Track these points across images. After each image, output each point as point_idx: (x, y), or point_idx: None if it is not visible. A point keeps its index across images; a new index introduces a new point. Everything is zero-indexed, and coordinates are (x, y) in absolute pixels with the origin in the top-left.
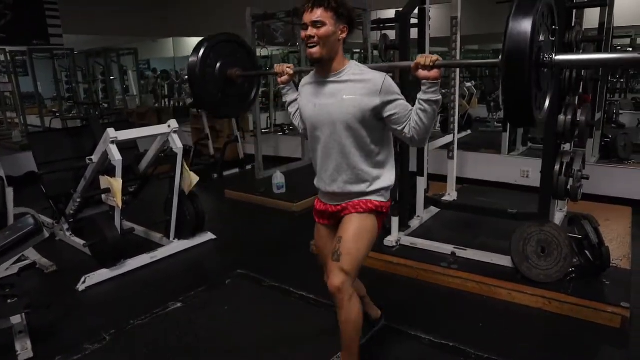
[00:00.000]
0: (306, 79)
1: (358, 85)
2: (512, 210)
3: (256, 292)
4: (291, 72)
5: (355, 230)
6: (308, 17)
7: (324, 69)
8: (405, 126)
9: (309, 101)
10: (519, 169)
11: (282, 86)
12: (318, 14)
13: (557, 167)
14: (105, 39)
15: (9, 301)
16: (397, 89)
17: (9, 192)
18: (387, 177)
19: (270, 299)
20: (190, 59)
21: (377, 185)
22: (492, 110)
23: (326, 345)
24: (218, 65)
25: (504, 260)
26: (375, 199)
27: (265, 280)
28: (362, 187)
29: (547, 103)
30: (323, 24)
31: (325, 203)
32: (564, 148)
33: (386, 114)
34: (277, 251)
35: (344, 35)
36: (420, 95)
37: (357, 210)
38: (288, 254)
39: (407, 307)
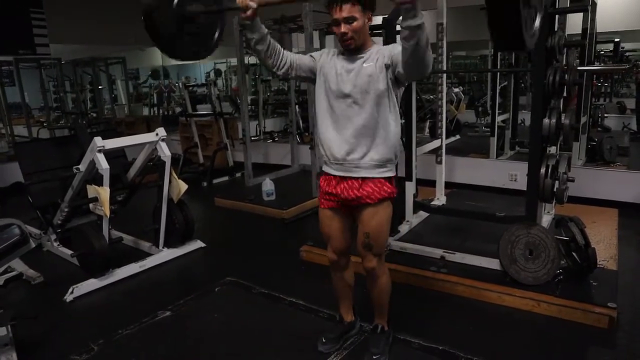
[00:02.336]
0: (330, 52)
1: (374, 56)
2: (500, 214)
3: (246, 299)
4: (254, 5)
5: (379, 223)
6: (339, 14)
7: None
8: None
9: (335, 73)
10: (507, 172)
11: (247, 22)
12: (347, 10)
13: (542, 170)
14: (93, 48)
15: None
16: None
17: None
18: (396, 147)
19: (260, 305)
20: None
21: (388, 154)
22: (480, 116)
23: (316, 350)
24: None
25: (493, 264)
26: (386, 175)
27: (255, 287)
28: (376, 155)
29: (537, 23)
30: (354, 18)
31: (338, 180)
32: (549, 151)
33: (395, 62)
34: (266, 258)
35: (370, 22)
36: (399, 24)
37: (373, 201)
38: (278, 260)
39: (396, 311)
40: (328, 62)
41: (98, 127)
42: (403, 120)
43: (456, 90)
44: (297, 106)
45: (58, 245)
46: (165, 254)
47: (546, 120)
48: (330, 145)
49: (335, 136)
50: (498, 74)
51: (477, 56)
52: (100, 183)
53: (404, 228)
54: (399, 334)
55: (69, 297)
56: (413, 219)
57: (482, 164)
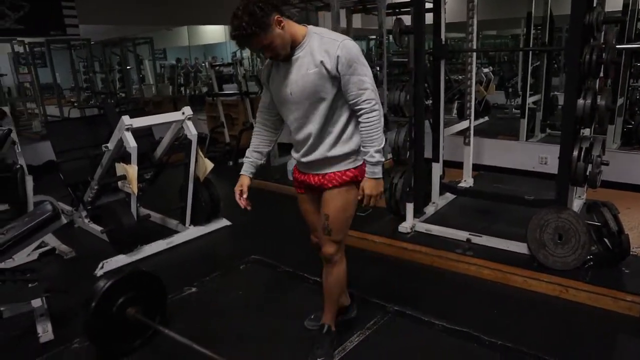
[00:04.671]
0: (270, 61)
1: (318, 57)
2: (529, 197)
3: (270, 277)
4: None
5: (338, 207)
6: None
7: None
8: (352, 103)
9: (280, 83)
10: (537, 155)
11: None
12: (253, 45)
13: (575, 153)
14: (121, 28)
15: (29, 285)
16: (355, 57)
17: (29, 180)
18: (356, 140)
19: (285, 284)
20: (96, 285)
21: (348, 148)
22: (510, 97)
23: (340, 328)
24: (120, 300)
25: (520, 248)
26: (350, 166)
27: (280, 266)
28: (337, 151)
29: None
30: (264, 45)
31: (304, 173)
32: (583, 133)
33: (341, 82)
34: (291, 237)
35: (283, 23)
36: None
37: (334, 185)
38: (303, 240)
39: (420, 293)
40: (273, 71)
41: (126, 106)
42: (429, 102)
43: (486, 70)
44: None
45: (88, 221)
46: (192, 232)
47: (581, 101)
48: (294, 149)
49: (294, 141)
50: (530, 53)
51: (508, 35)
52: (128, 161)
53: (429, 209)
54: (422, 316)
55: (99, 272)
56: (439, 200)
57: (511, 146)
